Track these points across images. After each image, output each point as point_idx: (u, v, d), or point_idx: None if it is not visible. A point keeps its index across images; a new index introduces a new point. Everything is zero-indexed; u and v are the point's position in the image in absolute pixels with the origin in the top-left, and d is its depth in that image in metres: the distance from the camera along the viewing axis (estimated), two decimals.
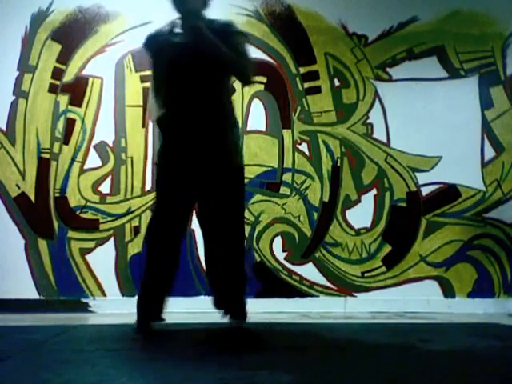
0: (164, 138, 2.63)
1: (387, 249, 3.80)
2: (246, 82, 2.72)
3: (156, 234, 2.59)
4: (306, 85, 3.82)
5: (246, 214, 3.70)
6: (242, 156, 2.74)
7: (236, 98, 3.74)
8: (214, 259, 2.66)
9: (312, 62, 3.83)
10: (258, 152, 3.75)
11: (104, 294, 3.58)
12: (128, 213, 3.63)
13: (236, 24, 2.64)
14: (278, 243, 3.73)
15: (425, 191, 3.85)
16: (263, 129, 3.77)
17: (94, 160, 3.66)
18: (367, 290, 3.75)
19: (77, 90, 3.67)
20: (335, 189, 3.79)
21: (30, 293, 3.53)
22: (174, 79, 2.56)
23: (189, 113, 2.54)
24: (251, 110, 3.76)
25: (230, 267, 2.59)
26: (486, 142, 3.91)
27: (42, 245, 3.59)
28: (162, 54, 2.59)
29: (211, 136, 2.54)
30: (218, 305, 2.67)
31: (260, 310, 3.56)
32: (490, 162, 3.90)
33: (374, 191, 3.82)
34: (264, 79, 3.78)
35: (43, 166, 3.62)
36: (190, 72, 2.53)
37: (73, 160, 3.64)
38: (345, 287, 3.74)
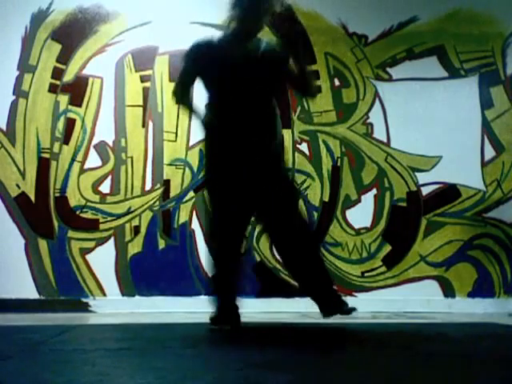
0: (216, 149, 2.66)
1: (387, 249, 3.80)
2: (312, 95, 2.99)
3: (221, 252, 2.69)
4: None
5: None
6: (286, 163, 2.95)
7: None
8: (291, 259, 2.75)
9: (312, 61, 3.83)
10: None
11: (104, 294, 3.58)
12: (128, 213, 3.63)
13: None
14: None
15: (425, 191, 3.85)
16: None
17: (94, 160, 3.66)
18: (367, 289, 3.75)
19: (77, 90, 3.67)
20: (335, 189, 3.79)
21: (30, 293, 3.53)
22: (230, 89, 2.60)
23: (243, 124, 2.59)
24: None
25: (308, 261, 2.69)
26: (486, 141, 3.91)
27: (42, 245, 3.59)
28: (216, 62, 2.61)
29: (262, 146, 2.61)
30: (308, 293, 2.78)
31: (260, 309, 3.56)
32: (490, 162, 3.90)
33: (374, 191, 3.82)
34: None
35: (43, 165, 3.62)
36: (247, 84, 2.58)
37: (73, 160, 3.64)
38: (345, 287, 3.74)
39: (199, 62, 2.63)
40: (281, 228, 2.67)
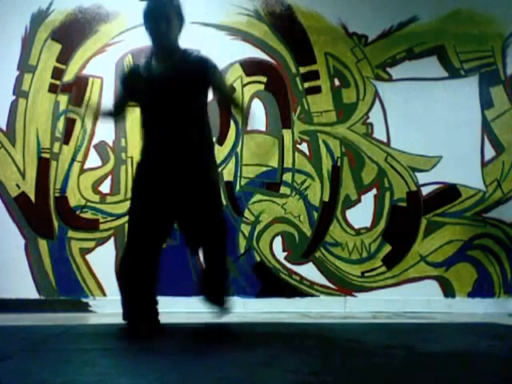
0: (144, 154, 2.72)
1: (387, 249, 3.80)
2: (238, 109, 2.92)
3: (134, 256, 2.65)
4: (306, 85, 3.82)
5: (247, 213, 3.71)
6: (217, 173, 2.92)
7: (236, 98, 3.74)
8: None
9: (312, 61, 3.83)
10: (257, 152, 3.75)
11: (104, 294, 3.58)
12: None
13: (209, 58, 2.69)
14: (278, 243, 3.73)
15: (425, 191, 3.85)
16: (263, 129, 3.77)
17: (94, 160, 3.66)
18: (367, 289, 3.75)
19: (77, 90, 3.67)
20: (335, 189, 3.79)
21: (30, 293, 3.53)
22: (152, 104, 2.64)
23: (168, 133, 2.61)
24: (251, 109, 3.75)
25: (213, 263, 2.73)
26: (486, 141, 3.91)
27: (42, 244, 3.59)
28: (139, 85, 2.66)
29: (188, 155, 2.62)
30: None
31: (260, 309, 3.56)
32: (490, 162, 3.90)
33: (374, 191, 3.82)
34: (264, 79, 3.78)
35: (43, 165, 3.62)
36: (166, 100, 2.60)
37: (73, 160, 3.64)
38: (345, 287, 3.74)
39: (126, 85, 2.75)
40: (197, 240, 2.72)
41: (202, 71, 2.63)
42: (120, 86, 2.82)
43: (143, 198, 2.64)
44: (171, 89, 2.58)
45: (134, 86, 2.69)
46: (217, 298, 2.70)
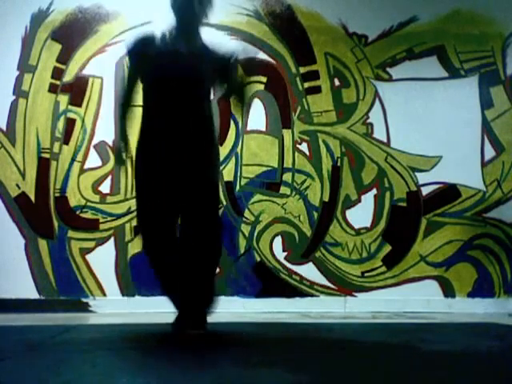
0: (143, 146, 2.62)
1: (387, 249, 3.80)
2: (242, 105, 2.77)
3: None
4: (306, 85, 3.82)
5: (247, 213, 3.71)
6: (218, 174, 2.72)
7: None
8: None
9: (312, 61, 3.83)
10: (258, 152, 3.75)
11: (104, 294, 3.58)
12: (128, 213, 3.63)
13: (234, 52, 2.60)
14: (278, 243, 3.73)
15: (425, 191, 3.85)
16: (263, 129, 3.77)
17: (94, 160, 3.66)
18: (367, 289, 3.75)
19: (77, 90, 3.67)
20: (335, 189, 3.79)
21: (30, 293, 3.53)
22: (162, 90, 2.51)
23: (171, 126, 2.51)
24: (251, 109, 3.76)
25: (199, 279, 2.52)
26: (486, 141, 3.91)
27: (42, 244, 3.59)
28: (152, 61, 2.51)
29: (190, 151, 2.51)
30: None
31: (260, 309, 3.56)
32: (490, 162, 3.90)
33: (374, 191, 3.82)
34: (264, 79, 3.78)
35: (43, 165, 3.62)
36: (178, 85, 2.48)
37: (73, 160, 3.64)
38: (345, 287, 3.74)
39: (138, 56, 2.54)
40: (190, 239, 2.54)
41: (224, 61, 2.52)
42: (130, 57, 2.59)
43: (150, 183, 2.54)
44: (190, 68, 2.48)
45: (148, 58, 2.49)
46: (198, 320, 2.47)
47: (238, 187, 3.71)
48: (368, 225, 3.80)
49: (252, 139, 3.75)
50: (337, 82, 3.85)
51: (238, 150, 3.73)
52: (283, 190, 3.76)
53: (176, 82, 2.48)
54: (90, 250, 3.61)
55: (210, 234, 2.54)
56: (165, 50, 2.51)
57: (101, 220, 3.63)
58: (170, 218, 2.56)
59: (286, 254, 3.73)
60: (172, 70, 2.50)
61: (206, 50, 2.55)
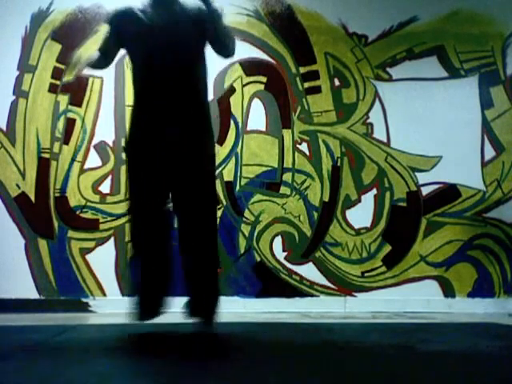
0: (135, 129, 2.52)
1: (387, 249, 3.80)
2: (228, 55, 2.63)
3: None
4: (306, 85, 3.82)
5: (247, 213, 3.71)
6: (214, 160, 2.64)
7: (236, 98, 3.75)
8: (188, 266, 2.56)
9: (312, 61, 3.83)
10: (258, 152, 3.75)
11: (104, 294, 3.58)
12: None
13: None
14: (278, 243, 3.73)
15: (425, 191, 3.85)
16: (263, 129, 3.77)
17: (93, 160, 3.66)
18: (367, 289, 3.75)
19: (77, 90, 3.67)
20: (335, 189, 3.79)
21: (30, 293, 3.53)
22: (149, 67, 2.43)
23: (162, 105, 2.42)
24: (251, 109, 3.76)
25: (202, 273, 2.52)
26: (486, 141, 3.91)
27: (42, 245, 3.59)
28: (134, 35, 2.44)
29: (184, 132, 2.43)
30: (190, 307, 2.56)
31: (260, 309, 3.56)
32: (490, 162, 3.90)
33: (374, 191, 3.82)
34: (264, 79, 3.78)
35: (43, 165, 3.62)
36: (166, 60, 2.40)
37: (73, 160, 3.64)
38: (345, 287, 3.74)
39: (117, 29, 2.49)
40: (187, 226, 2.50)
41: (203, 14, 2.44)
42: (109, 29, 2.54)
43: (142, 171, 2.46)
44: (172, 38, 2.40)
45: (127, 31, 2.45)
46: (204, 304, 2.49)
47: (237, 187, 3.71)
48: (368, 225, 3.80)
49: (252, 139, 3.75)
50: (337, 82, 3.85)
51: (238, 149, 3.73)
52: (283, 190, 3.76)
53: (164, 50, 2.40)
54: (90, 250, 3.61)
55: (206, 224, 2.48)
56: (146, 19, 2.43)
57: (101, 220, 3.63)
58: (159, 204, 2.50)
59: (286, 253, 3.73)
60: (156, 39, 2.41)
61: (187, 11, 2.47)
